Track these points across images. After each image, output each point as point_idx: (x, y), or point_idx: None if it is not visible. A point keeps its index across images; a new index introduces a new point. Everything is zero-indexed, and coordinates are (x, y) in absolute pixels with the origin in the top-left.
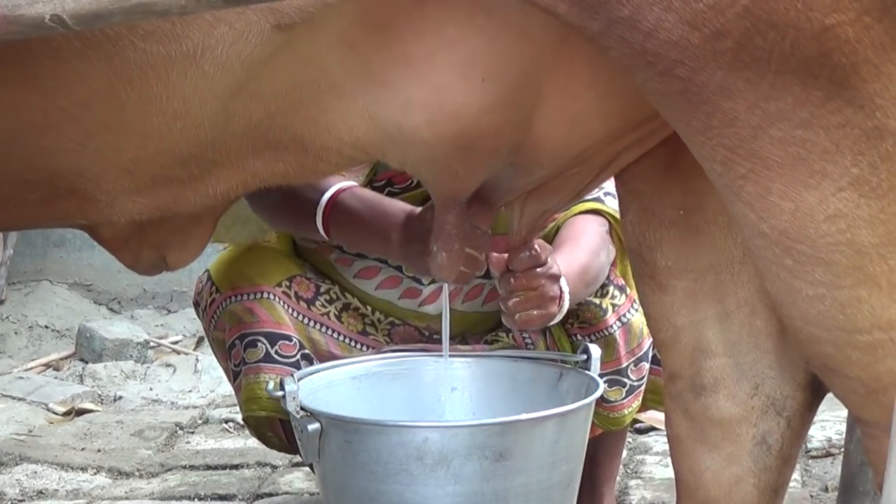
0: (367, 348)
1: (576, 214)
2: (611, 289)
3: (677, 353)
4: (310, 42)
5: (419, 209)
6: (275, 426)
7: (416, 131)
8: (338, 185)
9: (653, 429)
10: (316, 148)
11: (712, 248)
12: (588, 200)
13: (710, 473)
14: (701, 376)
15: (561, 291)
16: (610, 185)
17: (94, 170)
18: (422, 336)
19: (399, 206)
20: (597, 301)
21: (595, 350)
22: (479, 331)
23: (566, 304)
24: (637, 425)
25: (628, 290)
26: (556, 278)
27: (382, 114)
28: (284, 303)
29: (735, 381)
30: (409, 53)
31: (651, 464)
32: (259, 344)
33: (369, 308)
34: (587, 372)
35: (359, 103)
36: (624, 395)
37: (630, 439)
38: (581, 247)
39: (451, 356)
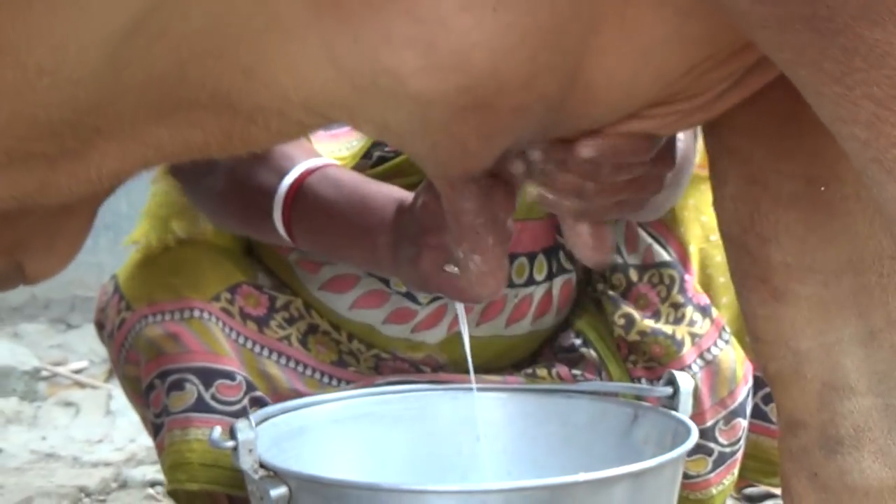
0: (347, 385)
1: None
2: (688, 310)
3: (800, 391)
4: None
5: (412, 195)
6: (218, 500)
7: (400, 84)
8: (305, 164)
9: (770, 496)
10: (248, 108)
11: (852, 238)
12: None
13: None
14: (836, 425)
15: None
16: None
17: None
18: (418, 373)
19: (388, 194)
20: (668, 329)
21: (685, 381)
22: (506, 364)
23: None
24: (748, 490)
25: (714, 313)
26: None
27: (349, 59)
28: (224, 324)
29: (886, 431)
30: None
31: None
32: (188, 385)
33: (343, 334)
34: (673, 413)
35: (311, 44)
36: (710, 466)
37: None
38: None
39: (479, 389)
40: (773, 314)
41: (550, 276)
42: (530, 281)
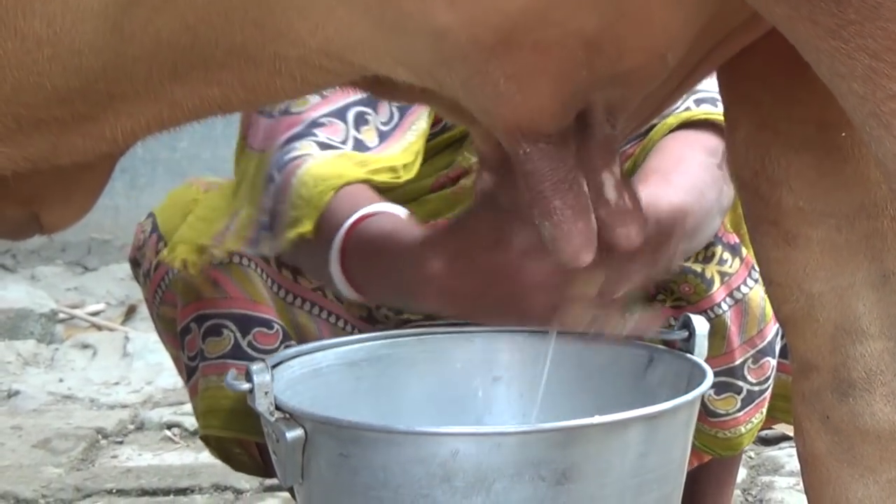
0: None
1: (672, 130)
2: (718, 249)
3: (813, 334)
4: None
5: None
6: (245, 441)
7: (419, 18)
8: (347, 222)
9: (785, 438)
10: (268, 59)
11: (864, 182)
12: (683, 111)
13: None
14: (848, 368)
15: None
16: (708, 85)
17: None
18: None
19: (412, 234)
20: (697, 268)
21: (700, 324)
22: None
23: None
24: (763, 432)
25: (744, 252)
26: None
27: None
28: (263, 271)
29: None
30: None
31: (782, 488)
32: (225, 331)
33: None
34: (689, 356)
35: None
36: (739, 405)
37: (752, 454)
38: (677, 181)
39: (493, 332)
40: (786, 257)
41: None
42: None
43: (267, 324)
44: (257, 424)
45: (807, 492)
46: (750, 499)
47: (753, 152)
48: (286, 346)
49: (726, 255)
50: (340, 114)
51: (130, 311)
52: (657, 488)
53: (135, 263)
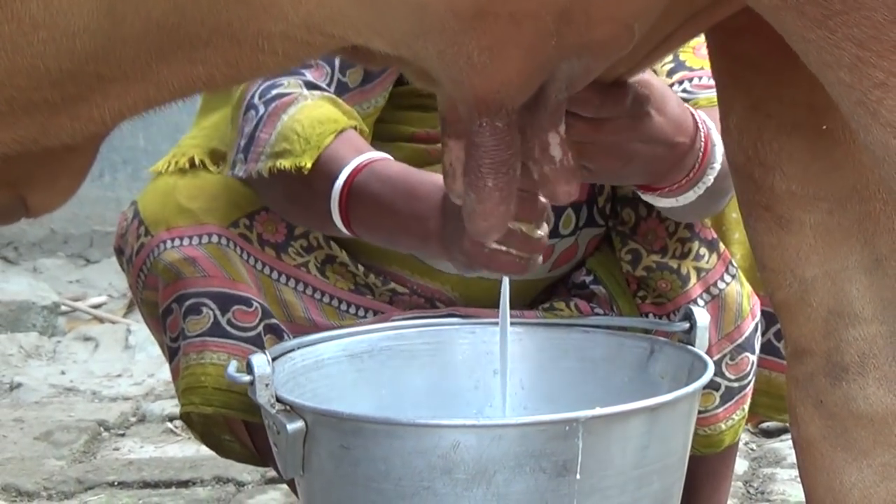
0: (367, 313)
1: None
2: (695, 245)
3: (806, 319)
4: None
5: None
6: (234, 426)
7: None
8: (352, 163)
9: (787, 430)
10: (252, 36)
11: (856, 165)
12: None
13: (857, 492)
14: (841, 352)
15: (707, 142)
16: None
17: None
18: (434, 308)
19: (434, 182)
20: (673, 264)
21: (702, 315)
22: (520, 302)
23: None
24: (764, 424)
25: (721, 248)
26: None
27: None
28: (242, 250)
29: (891, 358)
30: None
31: (784, 480)
32: (204, 309)
33: (360, 267)
34: (690, 347)
35: None
36: (718, 401)
37: (753, 446)
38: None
39: (493, 325)
40: (779, 242)
41: (577, 230)
42: (555, 234)
43: (246, 302)
44: (239, 401)
45: (801, 476)
46: (752, 491)
47: (746, 136)
48: (266, 324)
49: (703, 251)
50: (328, 57)
51: (132, 304)
52: (658, 480)
53: (119, 251)
